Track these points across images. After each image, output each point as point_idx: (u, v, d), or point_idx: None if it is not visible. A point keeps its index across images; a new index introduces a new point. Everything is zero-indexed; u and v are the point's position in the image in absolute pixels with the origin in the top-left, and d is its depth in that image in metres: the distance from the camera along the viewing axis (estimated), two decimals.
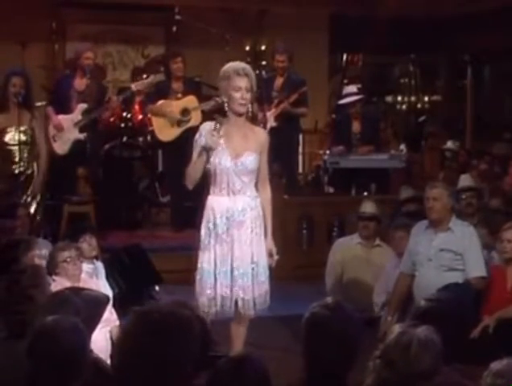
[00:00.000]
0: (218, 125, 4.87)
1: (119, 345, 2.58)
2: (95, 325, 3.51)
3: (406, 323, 2.89)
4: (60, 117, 8.07)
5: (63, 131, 8.01)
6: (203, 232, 5.02)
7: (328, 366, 2.86)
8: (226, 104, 4.94)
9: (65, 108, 8.12)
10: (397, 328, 2.80)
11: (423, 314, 4.31)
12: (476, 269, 5.54)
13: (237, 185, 4.96)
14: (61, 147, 8.04)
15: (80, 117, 8.06)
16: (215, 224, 4.97)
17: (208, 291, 4.94)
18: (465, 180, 7.14)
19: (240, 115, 4.96)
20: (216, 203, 5.00)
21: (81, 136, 8.04)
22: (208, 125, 4.96)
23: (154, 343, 2.48)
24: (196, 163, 4.94)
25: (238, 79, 4.89)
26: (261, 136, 5.10)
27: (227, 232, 4.95)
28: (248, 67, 5.02)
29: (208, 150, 4.88)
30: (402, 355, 2.65)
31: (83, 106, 8.06)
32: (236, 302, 4.97)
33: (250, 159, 4.95)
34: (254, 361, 2.63)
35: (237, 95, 4.88)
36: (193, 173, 4.95)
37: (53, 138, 8.02)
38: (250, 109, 5.10)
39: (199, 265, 5.01)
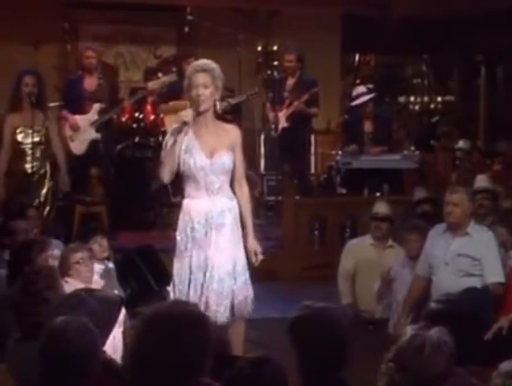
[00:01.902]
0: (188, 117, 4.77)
1: (132, 353, 2.56)
2: (111, 326, 3.46)
3: (418, 325, 2.87)
4: (77, 117, 8.09)
5: (79, 131, 8.02)
6: (179, 238, 4.93)
7: (319, 364, 2.96)
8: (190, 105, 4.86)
9: (78, 109, 8.13)
10: (409, 330, 2.78)
11: (434, 316, 4.29)
12: (495, 275, 5.45)
13: (215, 184, 4.85)
14: (78, 147, 8.06)
15: (96, 117, 8.07)
16: (192, 229, 4.87)
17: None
18: (481, 181, 7.04)
19: (201, 113, 4.82)
20: (194, 207, 4.89)
21: (98, 136, 8.05)
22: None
23: (169, 347, 2.48)
24: (169, 150, 4.80)
25: (195, 75, 4.80)
26: (232, 133, 4.97)
27: (205, 236, 4.83)
28: (208, 63, 4.85)
29: (180, 131, 4.76)
30: (415, 358, 2.62)
31: (98, 106, 8.07)
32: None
33: (226, 157, 4.86)
34: (274, 364, 2.61)
35: (194, 92, 4.79)
36: (167, 159, 4.80)
37: (70, 138, 8.03)
38: (219, 106, 4.98)
39: (174, 273, 4.91)
